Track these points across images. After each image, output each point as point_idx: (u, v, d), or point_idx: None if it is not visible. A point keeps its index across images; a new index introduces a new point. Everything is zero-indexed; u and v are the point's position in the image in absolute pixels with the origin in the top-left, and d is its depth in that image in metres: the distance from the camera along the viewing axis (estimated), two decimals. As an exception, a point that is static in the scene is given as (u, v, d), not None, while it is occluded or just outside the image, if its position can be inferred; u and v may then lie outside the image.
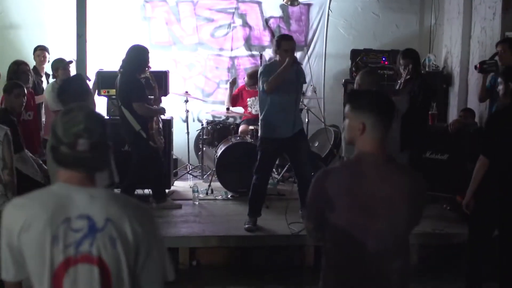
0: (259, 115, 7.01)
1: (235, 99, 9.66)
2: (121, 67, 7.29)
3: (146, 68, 7.38)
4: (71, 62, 8.14)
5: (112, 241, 2.40)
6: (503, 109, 5.45)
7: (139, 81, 7.23)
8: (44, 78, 9.03)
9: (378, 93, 3.34)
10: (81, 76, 5.05)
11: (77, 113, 2.47)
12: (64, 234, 2.36)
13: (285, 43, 6.77)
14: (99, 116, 2.55)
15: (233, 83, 9.66)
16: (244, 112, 9.63)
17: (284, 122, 6.81)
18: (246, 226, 6.96)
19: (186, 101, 9.34)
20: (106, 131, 2.52)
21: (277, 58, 6.80)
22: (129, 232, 2.43)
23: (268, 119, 6.85)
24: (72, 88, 4.19)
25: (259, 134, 7.08)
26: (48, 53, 9.03)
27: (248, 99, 9.59)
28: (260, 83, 6.81)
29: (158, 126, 7.44)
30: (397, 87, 7.42)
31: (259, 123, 7.03)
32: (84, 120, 2.44)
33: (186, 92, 9.44)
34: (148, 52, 7.40)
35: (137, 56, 7.30)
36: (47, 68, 9.00)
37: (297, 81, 6.93)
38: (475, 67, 7.39)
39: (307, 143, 7.09)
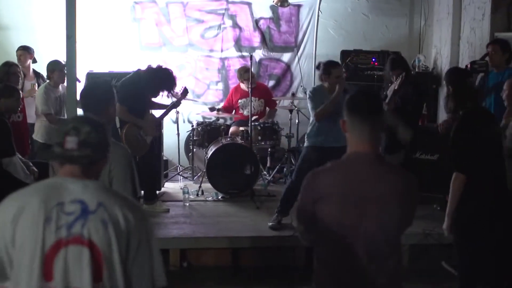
0: (308, 131, 7.04)
1: (228, 110, 9.64)
2: (140, 73, 7.45)
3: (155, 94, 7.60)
4: None
5: (104, 224, 2.46)
6: (462, 119, 5.29)
7: (134, 88, 7.22)
8: (34, 78, 8.96)
9: (362, 93, 3.33)
10: (107, 82, 5.03)
11: (70, 117, 2.65)
12: (56, 216, 2.44)
13: (335, 71, 6.86)
14: (89, 118, 2.67)
15: (212, 110, 9.60)
16: (235, 113, 9.62)
17: (329, 138, 6.74)
18: (271, 224, 7.01)
19: (176, 102, 9.33)
20: (97, 131, 2.58)
21: (325, 84, 6.87)
22: (120, 217, 2.50)
23: (314, 133, 6.91)
24: (94, 94, 4.15)
25: (305, 145, 7.08)
26: (29, 53, 8.90)
27: (239, 100, 9.58)
28: (309, 107, 6.89)
29: (138, 133, 7.36)
30: (388, 91, 7.46)
31: (306, 133, 7.08)
32: (72, 121, 2.60)
33: (176, 93, 9.41)
34: (171, 84, 7.56)
35: (157, 80, 7.45)
36: (38, 69, 8.97)
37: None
38: (466, 67, 7.41)
39: None
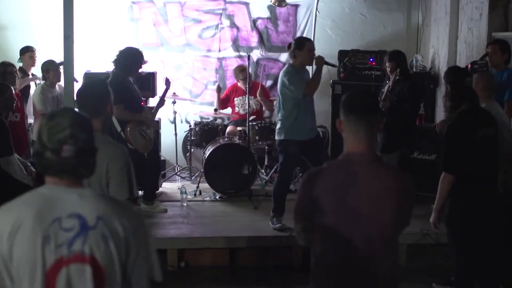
0: (279, 118, 7.03)
1: (224, 102, 9.65)
2: (113, 68, 7.36)
3: (136, 72, 7.46)
4: (62, 63, 8.09)
5: (104, 239, 2.41)
6: (455, 120, 5.31)
7: (122, 84, 7.20)
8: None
9: (358, 92, 3.33)
10: (103, 81, 5.00)
11: (62, 118, 2.47)
12: (55, 234, 2.36)
13: (309, 43, 6.97)
14: (85, 121, 2.54)
15: (219, 90, 9.61)
16: (231, 113, 9.63)
17: (309, 124, 6.98)
18: (277, 225, 6.98)
19: (174, 102, 9.33)
20: (92, 136, 2.52)
21: (297, 60, 6.89)
22: (119, 228, 2.44)
23: (295, 122, 6.89)
24: (92, 93, 4.12)
25: (280, 138, 7.03)
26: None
27: (235, 99, 9.59)
28: (288, 86, 6.80)
29: (141, 130, 7.36)
30: (385, 88, 7.46)
31: (280, 126, 7.01)
32: (69, 126, 2.44)
33: (174, 93, 9.43)
34: (141, 56, 7.43)
35: (127, 59, 7.33)
36: (34, 68, 8.98)
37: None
38: (466, 67, 7.42)
39: (323, 146, 7.37)
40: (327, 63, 7.11)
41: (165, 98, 8.11)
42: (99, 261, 2.39)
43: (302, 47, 6.86)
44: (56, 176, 2.48)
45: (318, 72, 6.94)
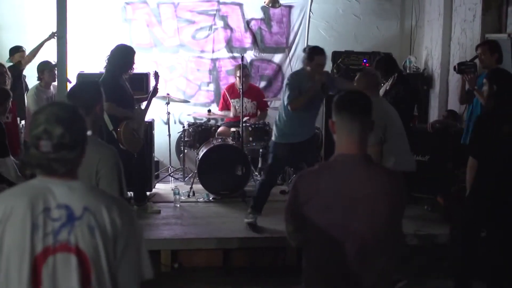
0: (277, 119, 6.99)
1: (224, 108, 9.64)
2: (105, 65, 7.35)
3: (130, 70, 7.43)
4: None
5: (90, 230, 2.42)
6: (490, 111, 5.46)
7: (115, 81, 7.20)
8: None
9: (351, 92, 3.32)
10: (95, 82, 5.00)
11: (40, 114, 2.49)
12: (43, 223, 2.39)
13: (318, 57, 6.72)
14: (61, 117, 2.49)
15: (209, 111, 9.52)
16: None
17: (300, 133, 6.88)
18: (250, 220, 7.04)
19: (167, 103, 9.32)
20: (71, 130, 2.48)
21: (308, 68, 6.76)
22: (107, 221, 2.45)
23: (284, 129, 6.88)
24: (82, 94, 4.10)
25: (272, 139, 7.08)
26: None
27: (232, 100, 9.54)
28: (284, 95, 6.75)
29: (132, 129, 7.35)
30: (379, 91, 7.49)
31: (274, 127, 7.04)
32: (43, 122, 2.45)
33: (167, 94, 9.41)
34: (134, 53, 7.43)
35: (121, 57, 7.32)
36: (28, 69, 8.97)
37: (320, 98, 7.00)
38: (454, 68, 7.45)
39: (315, 148, 7.34)
40: (323, 88, 6.75)
41: (157, 89, 8.05)
42: (85, 251, 2.41)
43: (312, 60, 6.70)
44: (34, 171, 2.50)
45: (309, 90, 6.66)
